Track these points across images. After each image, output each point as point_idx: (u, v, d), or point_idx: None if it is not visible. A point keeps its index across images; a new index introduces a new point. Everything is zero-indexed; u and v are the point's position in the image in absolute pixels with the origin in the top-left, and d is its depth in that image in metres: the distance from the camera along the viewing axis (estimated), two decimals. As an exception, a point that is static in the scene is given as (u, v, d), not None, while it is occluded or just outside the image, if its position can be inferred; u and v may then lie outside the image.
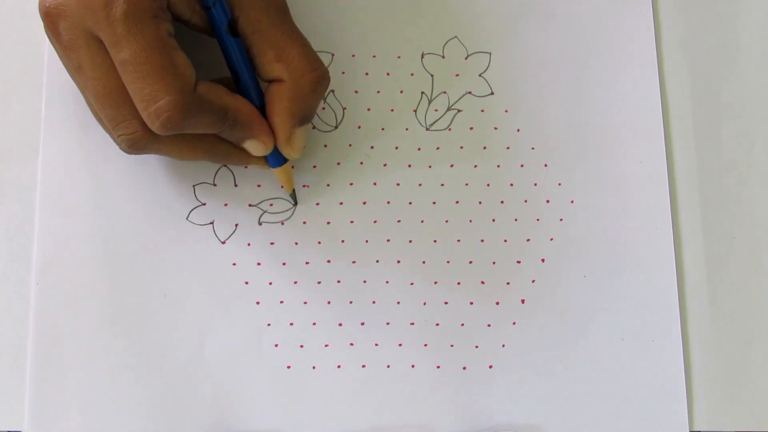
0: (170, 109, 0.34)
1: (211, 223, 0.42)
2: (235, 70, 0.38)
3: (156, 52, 0.34)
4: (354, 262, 0.42)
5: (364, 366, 0.41)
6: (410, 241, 0.42)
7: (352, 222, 0.42)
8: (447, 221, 0.42)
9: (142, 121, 0.35)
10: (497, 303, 0.42)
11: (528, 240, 0.42)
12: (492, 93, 0.44)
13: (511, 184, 0.43)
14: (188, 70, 0.35)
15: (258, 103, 0.38)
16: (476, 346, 0.41)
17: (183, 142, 0.37)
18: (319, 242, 0.42)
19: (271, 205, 0.42)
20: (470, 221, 0.42)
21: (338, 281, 0.42)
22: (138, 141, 0.36)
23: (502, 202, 0.43)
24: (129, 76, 0.34)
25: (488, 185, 0.43)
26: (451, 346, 0.41)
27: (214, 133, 0.37)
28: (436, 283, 0.42)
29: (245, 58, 0.37)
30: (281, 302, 0.41)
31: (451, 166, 0.43)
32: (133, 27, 0.34)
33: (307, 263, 0.42)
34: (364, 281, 0.42)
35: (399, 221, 0.42)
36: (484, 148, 0.43)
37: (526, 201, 0.43)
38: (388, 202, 0.43)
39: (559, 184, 0.43)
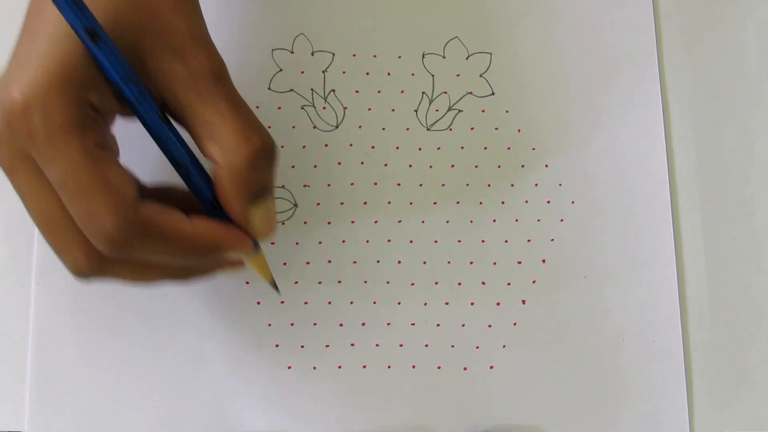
0: (109, 227, 0.30)
1: None
2: (179, 163, 0.33)
3: (84, 169, 0.30)
4: (355, 262, 0.42)
5: (364, 366, 0.41)
6: (411, 242, 0.42)
7: (352, 222, 0.42)
8: (448, 221, 0.42)
9: (86, 249, 0.32)
10: (498, 303, 0.42)
11: (528, 240, 0.42)
12: (493, 93, 0.44)
13: (512, 185, 0.43)
14: (125, 186, 0.31)
15: (211, 193, 0.34)
16: (477, 347, 0.41)
17: (139, 264, 0.34)
18: (320, 242, 0.42)
19: (271, 205, 0.42)
20: (471, 221, 0.42)
21: (339, 281, 0.42)
22: (85, 268, 0.32)
23: (502, 202, 0.43)
24: (63, 197, 0.31)
25: (489, 185, 0.43)
26: (452, 346, 0.41)
27: None
28: (436, 283, 0.42)
29: (185, 147, 0.33)
30: (282, 302, 0.41)
31: (452, 166, 0.43)
32: (55, 144, 0.30)
33: (307, 263, 0.42)
34: (365, 281, 0.42)
35: (400, 221, 0.42)
36: (485, 148, 0.43)
37: (526, 201, 0.43)
38: (389, 202, 0.43)
39: (560, 185, 0.43)
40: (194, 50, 0.33)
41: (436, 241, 0.42)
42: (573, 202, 0.43)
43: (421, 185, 0.43)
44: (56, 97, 0.30)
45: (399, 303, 0.41)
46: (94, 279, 0.33)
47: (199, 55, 0.33)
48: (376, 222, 0.42)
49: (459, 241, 0.42)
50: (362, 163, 0.43)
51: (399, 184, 0.43)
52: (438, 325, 0.41)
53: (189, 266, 0.35)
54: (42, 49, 0.31)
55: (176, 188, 0.36)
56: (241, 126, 0.33)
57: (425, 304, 0.42)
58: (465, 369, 0.41)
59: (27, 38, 0.32)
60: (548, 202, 0.43)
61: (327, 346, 0.41)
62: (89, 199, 0.30)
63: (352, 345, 0.41)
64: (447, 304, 0.42)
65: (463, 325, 0.41)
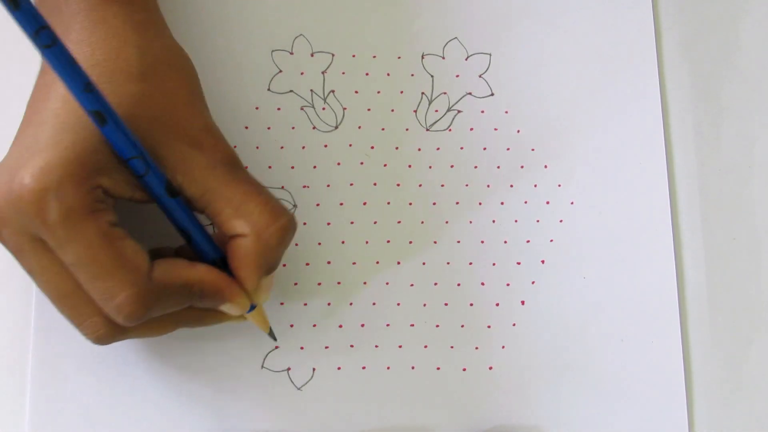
0: (130, 303, 0.32)
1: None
2: (184, 230, 0.35)
3: (101, 250, 0.32)
4: (354, 263, 0.42)
5: (364, 368, 0.41)
6: (410, 243, 0.42)
7: (352, 223, 0.42)
8: (447, 222, 0.42)
9: (104, 319, 0.34)
10: (497, 304, 0.42)
11: (528, 241, 0.42)
12: (492, 94, 0.44)
13: (511, 186, 0.43)
14: (139, 258, 0.33)
15: (215, 256, 0.36)
16: (476, 348, 0.41)
17: (152, 321, 0.35)
18: (319, 243, 0.42)
19: (271, 206, 0.42)
20: (470, 222, 0.43)
21: (338, 282, 0.42)
22: (104, 337, 0.34)
23: (502, 203, 0.43)
24: (81, 277, 0.32)
25: (488, 186, 0.43)
26: (451, 347, 0.41)
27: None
28: (436, 284, 0.42)
29: (191, 216, 0.35)
30: (281, 304, 0.41)
31: (452, 166, 0.43)
32: (71, 229, 0.31)
33: (307, 264, 0.42)
34: (364, 282, 0.42)
35: (399, 222, 0.42)
36: (484, 149, 0.43)
37: (526, 202, 0.43)
38: (388, 203, 0.43)
39: (559, 185, 0.43)
40: (211, 140, 0.36)
41: (435, 242, 0.42)
42: (572, 203, 0.43)
43: (420, 186, 0.43)
44: (71, 182, 0.31)
45: (398, 304, 0.41)
46: (115, 341, 0.35)
47: (217, 145, 0.36)
48: (375, 223, 0.42)
49: (458, 241, 0.42)
50: (362, 163, 0.43)
51: (398, 185, 0.43)
52: (437, 326, 0.41)
53: (199, 316, 0.37)
54: (53, 136, 0.32)
55: (170, 247, 0.38)
56: (270, 203, 0.35)
57: (424, 305, 0.42)
58: (464, 370, 0.41)
59: (35, 125, 0.33)
60: (547, 202, 0.43)
61: (327, 347, 0.41)
62: (108, 278, 0.32)
63: (352, 346, 0.41)
64: (446, 305, 0.42)
65: (462, 326, 0.41)
